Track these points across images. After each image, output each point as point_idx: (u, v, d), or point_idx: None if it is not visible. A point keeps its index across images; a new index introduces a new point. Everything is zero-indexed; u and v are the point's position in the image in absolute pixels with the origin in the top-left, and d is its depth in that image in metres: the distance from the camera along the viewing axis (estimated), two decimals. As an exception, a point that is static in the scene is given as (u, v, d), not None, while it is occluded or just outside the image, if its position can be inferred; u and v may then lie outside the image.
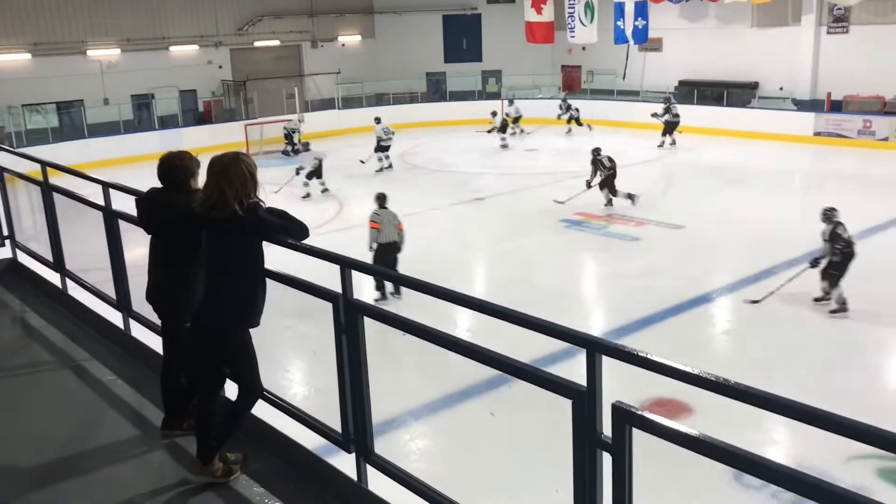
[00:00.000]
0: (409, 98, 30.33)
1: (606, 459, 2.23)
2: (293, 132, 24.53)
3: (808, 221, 14.44)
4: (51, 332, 5.54)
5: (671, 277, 12.25)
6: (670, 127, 22.38)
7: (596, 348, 2.21)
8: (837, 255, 10.28)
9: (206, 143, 24.00)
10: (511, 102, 26.25)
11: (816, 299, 10.69)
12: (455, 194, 18.69)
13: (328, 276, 3.31)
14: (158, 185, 3.96)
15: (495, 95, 30.38)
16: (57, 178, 5.84)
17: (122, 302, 5.00)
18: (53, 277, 6.07)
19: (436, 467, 5.98)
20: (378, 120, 22.39)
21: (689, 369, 2.06)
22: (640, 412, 2.09)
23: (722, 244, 14.22)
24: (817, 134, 23.47)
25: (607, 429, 2.21)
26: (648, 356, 2.07)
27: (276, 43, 29.54)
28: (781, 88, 25.03)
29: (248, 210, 3.34)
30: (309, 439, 3.68)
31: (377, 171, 21.17)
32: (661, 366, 2.06)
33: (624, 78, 28.14)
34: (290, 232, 3.45)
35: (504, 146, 24.34)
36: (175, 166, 3.85)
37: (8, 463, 3.93)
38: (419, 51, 31.01)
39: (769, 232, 14.44)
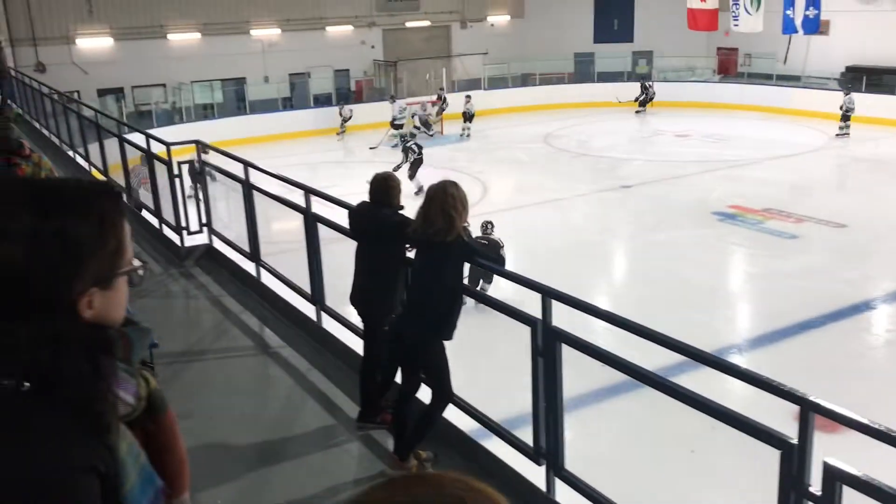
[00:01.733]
0: (555, 79, 30.13)
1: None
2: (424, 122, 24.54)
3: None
4: (246, 316, 6.10)
5: (830, 280, 11.77)
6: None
7: (809, 406, 2.32)
8: None
9: (358, 121, 24.99)
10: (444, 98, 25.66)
11: None
12: (601, 180, 18.55)
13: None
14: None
15: (646, 77, 29.70)
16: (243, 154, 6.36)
17: (316, 296, 5.46)
18: (248, 265, 6.65)
19: (625, 488, 6.14)
20: (393, 99, 23.77)
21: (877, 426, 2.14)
22: (853, 472, 2.20)
23: (888, 247, 13.47)
24: None
25: (815, 480, 2.33)
26: (874, 425, 2.17)
27: (427, 23, 30.05)
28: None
29: (461, 236, 3.67)
30: (493, 447, 3.96)
31: (393, 147, 21.84)
32: (872, 430, 2.16)
33: (785, 62, 26.79)
34: (492, 259, 3.76)
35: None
36: (387, 186, 4.22)
37: (224, 440, 4.43)
38: (568, 31, 30.70)
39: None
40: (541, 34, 30.98)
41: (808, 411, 2.32)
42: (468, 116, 24.22)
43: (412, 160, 17.29)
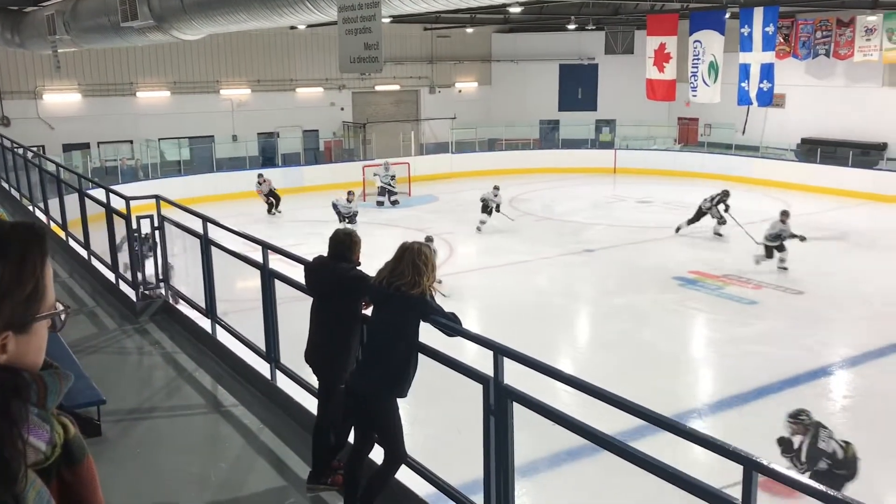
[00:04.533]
0: (521, 144, 30.72)
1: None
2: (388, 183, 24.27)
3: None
4: (200, 374, 6.00)
5: (789, 346, 11.93)
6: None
7: (752, 466, 2.33)
8: None
9: (325, 181, 25.11)
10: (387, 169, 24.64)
11: None
12: (565, 244, 18.75)
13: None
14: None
15: (609, 144, 30.42)
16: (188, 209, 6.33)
17: (271, 354, 5.39)
18: (204, 322, 6.56)
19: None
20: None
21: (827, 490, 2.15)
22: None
23: (844, 313, 13.71)
24: (952, 199, 22.37)
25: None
26: (807, 483, 2.18)
27: (396, 87, 30.57)
28: (913, 150, 24.03)
29: (424, 293, 3.69)
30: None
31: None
32: (816, 491, 2.16)
33: (743, 133, 27.63)
34: (450, 320, 3.76)
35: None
36: (349, 241, 4.23)
37: (172, 500, 4.30)
38: (534, 98, 31.43)
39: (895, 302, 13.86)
40: (507, 101, 31.67)
41: (751, 471, 2.33)
42: (489, 209, 20.05)
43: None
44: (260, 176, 22.73)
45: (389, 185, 23.86)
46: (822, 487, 2.22)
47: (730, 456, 2.44)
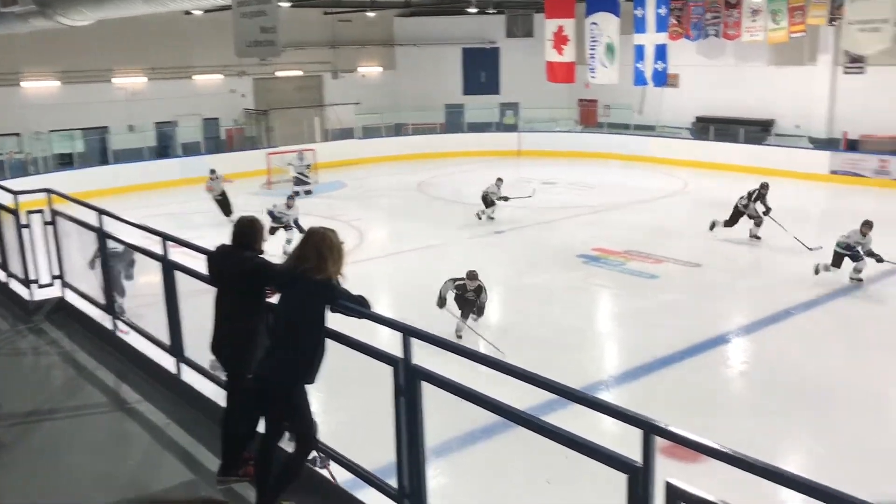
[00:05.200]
0: (427, 129, 30.78)
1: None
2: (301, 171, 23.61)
3: (825, 260, 14.68)
4: (102, 372, 5.80)
5: (689, 317, 12.44)
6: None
7: (652, 430, 2.43)
8: None
9: (228, 169, 24.49)
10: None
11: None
12: (474, 227, 18.94)
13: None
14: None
15: (513, 127, 30.82)
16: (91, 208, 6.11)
17: (175, 347, 5.26)
18: (102, 318, 6.33)
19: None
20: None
21: (719, 447, 2.27)
22: (692, 491, 2.31)
23: (738, 283, 14.39)
24: (833, 172, 23.67)
25: (660, 501, 2.43)
26: (704, 443, 2.29)
27: (298, 73, 30.07)
28: (798, 126, 25.27)
29: (330, 278, 3.68)
30: (362, 491, 3.91)
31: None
32: (713, 450, 2.28)
33: (641, 113, 28.51)
34: (360, 304, 3.76)
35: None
36: (252, 228, 4.17)
37: (79, 501, 4.16)
38: (438, 83, 31.49)
39: (785, 270, 14.63)
40: (412, 85, 31.61)
41: (650, 434, 2.43)
42: (489, 201, 18.97)
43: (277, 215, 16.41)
44: (213, 172, 19.71)
45: (303, 175, 23.48)
46: (724, 448, 2.32)
47: (629, 421, 2.54)
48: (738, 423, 8.62)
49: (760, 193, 16.61)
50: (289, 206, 16.32)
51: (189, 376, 5.26)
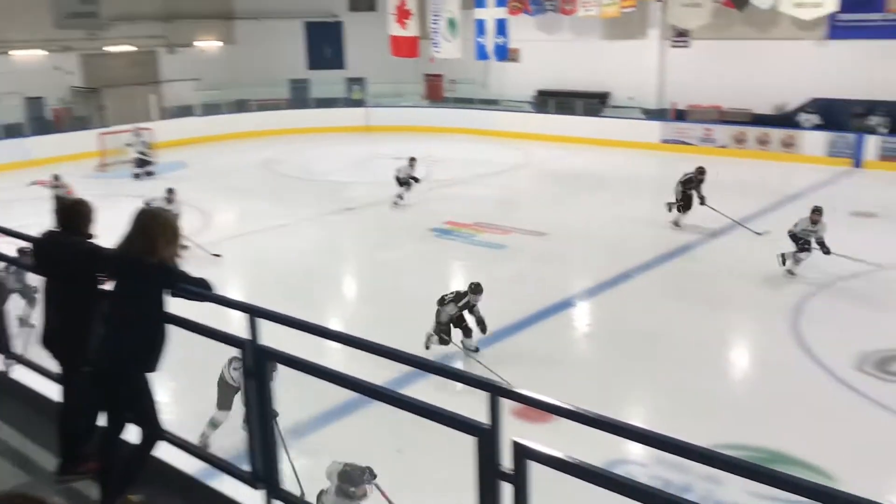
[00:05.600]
0: (272, 105, 29.98)
1: (507, 490, 2.54)
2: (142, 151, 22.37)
3: (658, 225, 15.66)
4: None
5: (537, 284, 12.91)
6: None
7: (497, 392, 2.51)
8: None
9: (55, 152, 22.90)
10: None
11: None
12: (325, 204, 18.73)
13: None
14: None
15: (360, 102, 30.58)
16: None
17: (2, 345, 4.88)
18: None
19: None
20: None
21: (563, 405, 2.39)
22: (537, 448, 2.40)
23: (581, 250, 15.07)
24: (664, 141, 25.14)
25: (507, 460, 2.51)
26: (542, 399, 2.39)
27: (131, 48, 28.41)
28: (631, 98, 26.58)
29: (164, 260, 3.50)
30: (215, 478, 3.80)
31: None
32: (557, 408, 2.38)
33: (484, 86, 29.07)
34: (201, 286, 3.61)
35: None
36: (77, 211, 3.90)
37: None
38: (281, 57, 30.67)
39: (624, 235, 15.46)
40: (253, 60, 30.60)
41: (496, 397, 2.51)
42: (403, 182, 18.03)
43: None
44: (56, 178, 16.46)
45: (145, 154, 22.24)
46: (568, 405, 2.43)
47: (477, 385, 2.61)
48: (584, 381, 9.07)
49: (698, 180, 15.54)
50: (169, 201, 13.75)
51: (19, 373, 4.90)
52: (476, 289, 9.61)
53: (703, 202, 15.46)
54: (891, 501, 6.48)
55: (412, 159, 18.26)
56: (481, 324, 9.77)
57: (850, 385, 8.89)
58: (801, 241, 12.35)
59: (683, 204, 15.62)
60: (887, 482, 7.05)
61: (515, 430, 2.55)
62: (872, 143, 21.94)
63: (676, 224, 15.79)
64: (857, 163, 21.98)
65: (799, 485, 2.07)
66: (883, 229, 15.41)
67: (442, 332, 9.46)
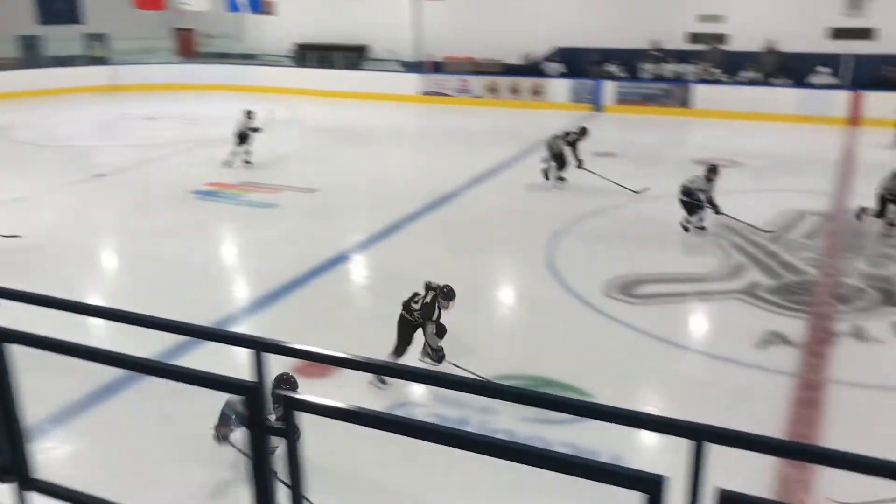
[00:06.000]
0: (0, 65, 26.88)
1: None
2: None
3: (423, 175, 16.10)
4: None
5: (310, 240, 12.82)
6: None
7: (261, 347, 2.47)
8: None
9: None
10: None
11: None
12: (73, 172, 17.23)
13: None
14: None
15: (103, 60, 28.24)
16: None
17: None
18: None
19: (100, 475, 5.79)
20: None
21: (334, 354, 2.41)
22: (309, 399, 2.39)
23: (352, 204, 15.16)
24: (423, 93, 25.76)
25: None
26: (304, 348, 2.39)
27: None
28: (390, 51, 26.87)
29: None
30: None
31: None
32: (326, 356, 2.39)
33: (240, 41, 27.98)
34: None
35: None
36: None
37: None
38: (3, 10, 27.44)
39: (391, 188, 15.75)
40: (-30, 15, 27.19)
41: (261, 353, 2.47)
42: (244, 136, 16.97)
43: None
44: None
45: None
46: (336, 354, 2.43)
47: (241, 344, 2.55)
48: (365, 331, 9.20)
49: (578, 139, 15.24)
50: None
51: None
52: (449, 293, 7.80)
53: (580, 165, 15.09)
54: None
55: (248, 111, 17.11)
56: (441, 328, 7.89)
57: (600, 310, 9.79)
58: (695, 198, 12.30)
59: (558, 163, 15.19)
60: (636, 392, 7.89)
61: (304, 386, 2.53)
62: (610, 89, 23.97)
63: (561, 179, 15.31)
64: (598, 107, 23.93)
65: (558, 402, 2.25)
66: (623, 168, 16.94)
67: (438, 354, 7.66)
